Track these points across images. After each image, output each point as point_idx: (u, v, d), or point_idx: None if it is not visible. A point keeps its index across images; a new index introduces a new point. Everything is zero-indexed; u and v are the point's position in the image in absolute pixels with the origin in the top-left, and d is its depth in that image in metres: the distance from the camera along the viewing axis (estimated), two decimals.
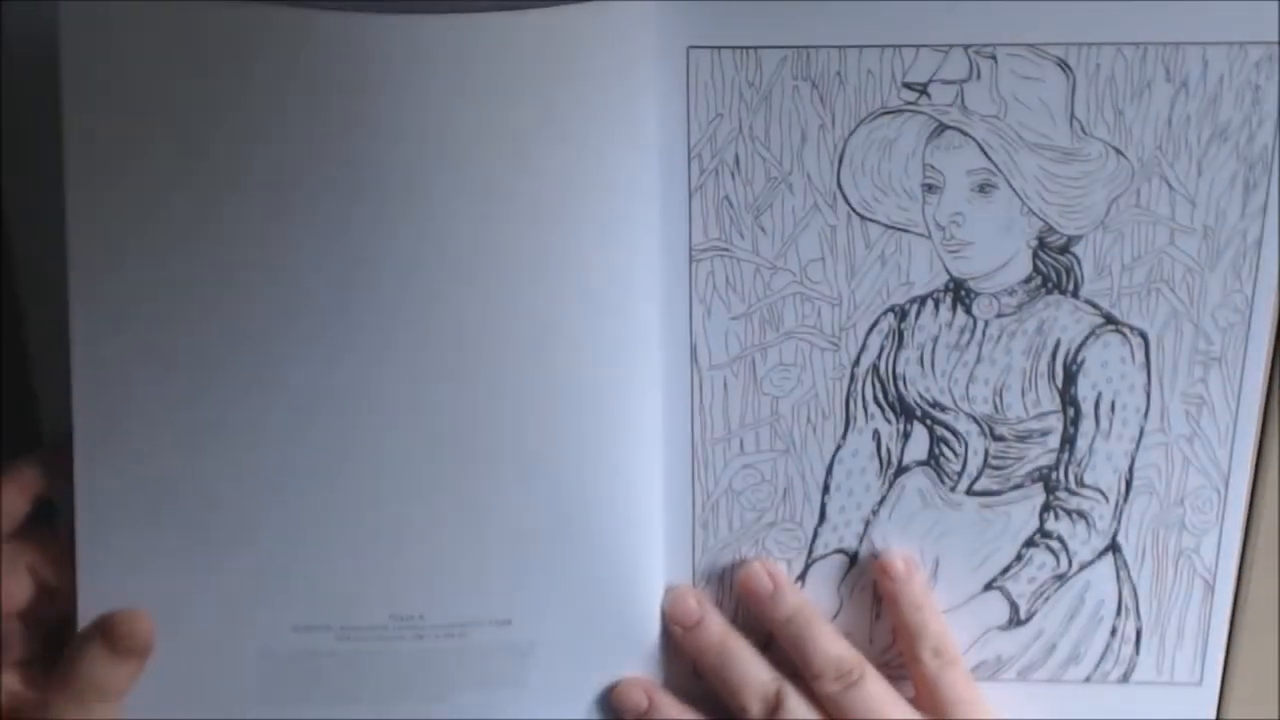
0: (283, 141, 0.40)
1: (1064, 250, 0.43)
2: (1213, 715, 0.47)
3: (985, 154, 0.42)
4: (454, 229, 0.41)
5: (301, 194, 0.41)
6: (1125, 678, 0.47)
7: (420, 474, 0.43)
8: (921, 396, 0.45)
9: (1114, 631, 0.47)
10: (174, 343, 0.42)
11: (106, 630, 0.42)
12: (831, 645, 0.44)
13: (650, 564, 0.46)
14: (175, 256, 0.41)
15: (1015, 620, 0.47)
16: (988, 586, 0.46)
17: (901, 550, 0.45)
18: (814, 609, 0.45)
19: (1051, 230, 0.43)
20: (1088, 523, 0.46)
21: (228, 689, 0.45)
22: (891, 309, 0.44)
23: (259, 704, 0.45)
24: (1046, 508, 0.45)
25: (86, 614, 0.43)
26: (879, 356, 0.44)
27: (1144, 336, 0.44)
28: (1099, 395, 0.44)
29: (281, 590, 0.44)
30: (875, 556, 0.45)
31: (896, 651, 0.46)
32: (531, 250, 0.42)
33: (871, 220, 0.43)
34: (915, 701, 0.45)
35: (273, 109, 0.40)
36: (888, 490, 0.46)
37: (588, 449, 0.44)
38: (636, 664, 0.47)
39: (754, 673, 0.44)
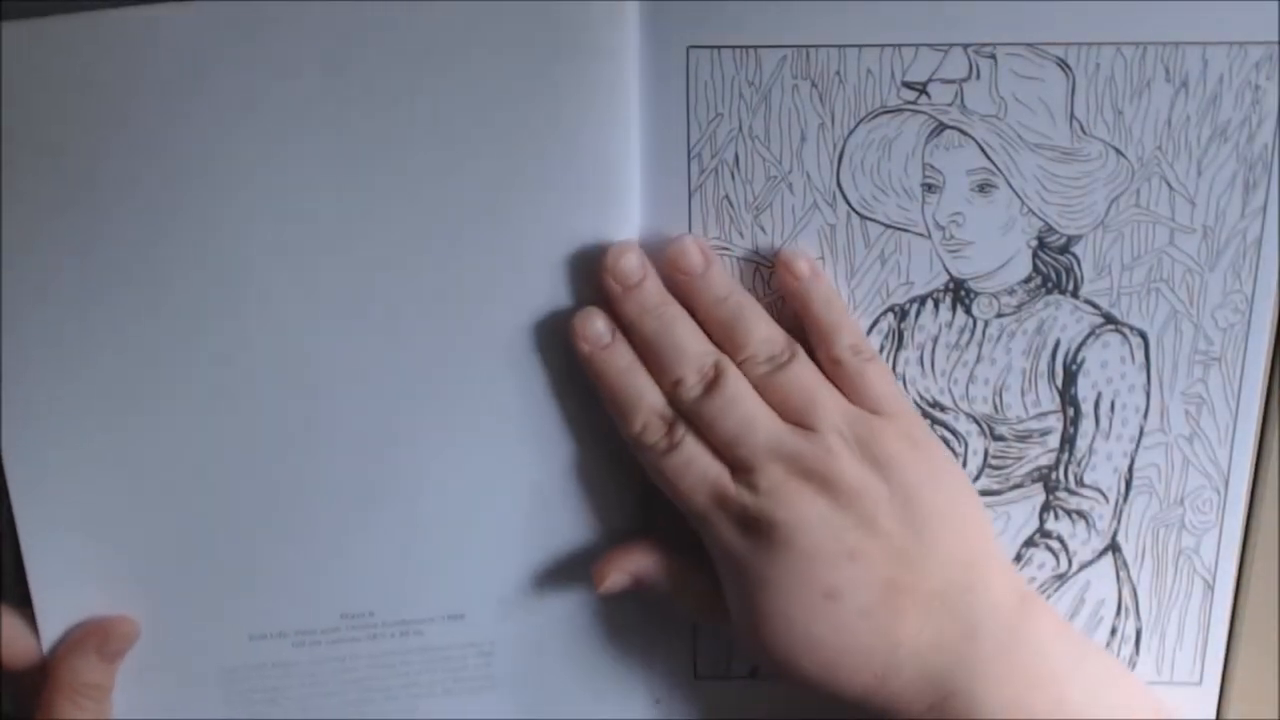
0: (252, 131, 0.40)
1: (1064, 250, 0.43)
2: (1213, 715, 0.47)
3: (985, 153, 0.42)
4: (431, 225, 0.42)
5: (272, 195, 0.41)
6: None
7: (363, 470, 0.43)
8: (921, 396, 0.45)
9: (1114, 631, 0.47)
10: (106, 359, 0.42)
11: (99, 635, 0.43)
12: (764, 327, 0.42)
13: None
14: (106, 269, 0.41)
15: None
16: None
17: (803, 251, 0.43)
18: (746, 292, 0.42)
19: (1051, 230, 0.43)
20: (1087, 522, 0.46)
21: (196, 711, 0.45)
22: (891, 309, 0.44)
23: None
24: (1046, 507, 0.46)
25: (47, 629, 0.44)
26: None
27: (1144, 336, 0.44)
28: (1099, 395, 0.44)
29: (233, 599, 0.44)
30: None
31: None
32: (513, 245, 0.42)
33: (871, 219, 0.43)
34: None
35: (232, 95, 0.40)
36: None
37: (552, 449, 0.44)
38: (617, 670, 0.47)
39: (692, 342, 0.41)
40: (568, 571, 0.46)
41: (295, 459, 0.43)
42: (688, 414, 0.41)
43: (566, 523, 0.45)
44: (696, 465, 0.41)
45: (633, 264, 0.41)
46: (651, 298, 0.41)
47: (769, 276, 0.43)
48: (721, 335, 0.42)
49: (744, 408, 0.40)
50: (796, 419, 0.41)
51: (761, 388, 0.41)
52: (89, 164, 0.40)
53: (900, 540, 0.40)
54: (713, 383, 0.41)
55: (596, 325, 0.42)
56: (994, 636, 0.40)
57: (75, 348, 0.42)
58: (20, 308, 0.41)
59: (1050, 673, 0.41)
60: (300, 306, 0.42)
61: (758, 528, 0.40)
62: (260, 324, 0.42)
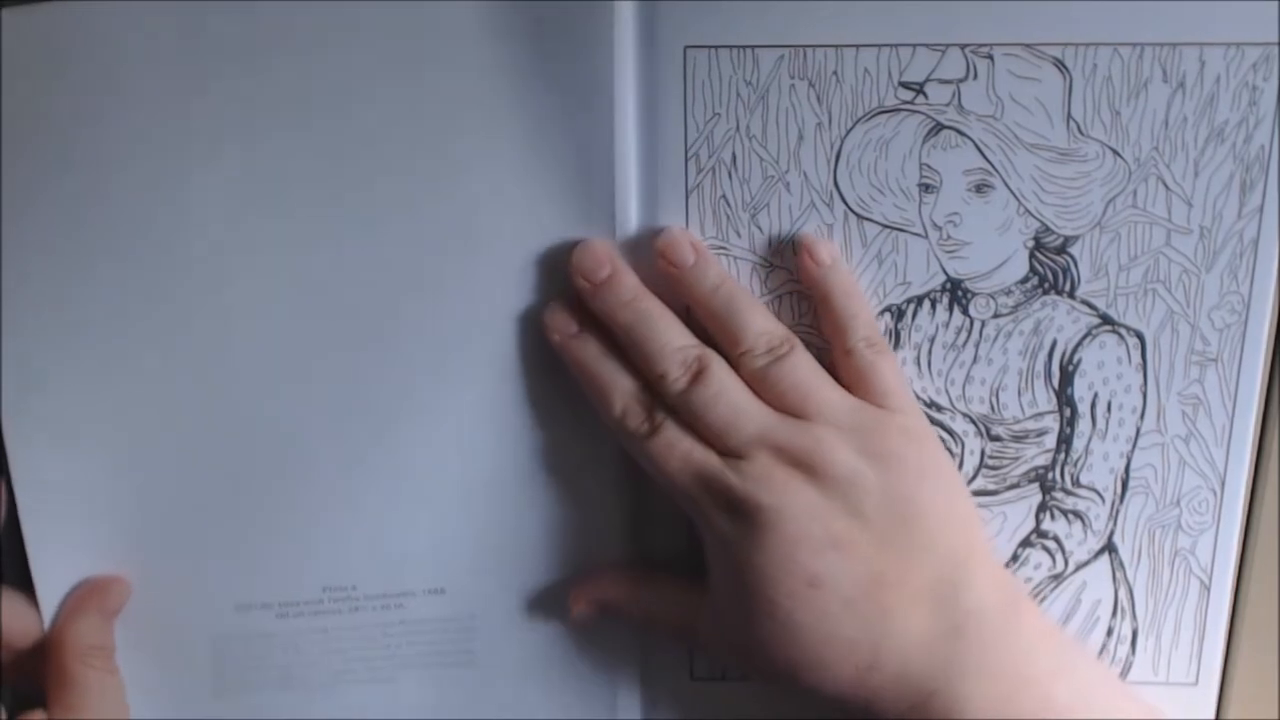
0: (247, 120, 0.41)
1: (1061, 250, 0.43)
2: (1209, 715, 0.47)
3: (982, 154, 0.42)
4: (426, 223, 0.42)
5: (262, 184, 0.42)
6: (1121, 677, 0.47)
7: (344, 446, 0.44)
8: (918, 396, 0.44)
9: (1110, 632, 0.47)
10: (102, 331, 0.42)
11: (98, 593, 0.44)
12: (760, 319, 0.42)
13: (604, 547, 0.46)
14: (100, 247, 0.42)
15: None
16: None
17: (823, 240, 0.43)
18: (739, 283, 0.42)
19: (1048, 230, 0.43)
20: (1084, 523, 0.46)
21: (185, 680, 0.46)
22: (888, 309, 0.44)
23: (216, 695, 0.46)
24: (1043, 508, 0.46)
25: (46, 604, 0.44)
26: None
27: (1140, 337, 0.44)
28: (1095, 396, 0.44)
29: (218, 571, 0.45)
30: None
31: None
32: (510, 244, 0.42)
33: (868, 219, 0.43)
34: None
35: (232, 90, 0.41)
36: None
37: (536, 429, 0.45)
38: (598, 648, 0.47)
39: (672, 336, 0.41)
40: (554, 562, 0.46)
41: (279, 434, 0.44)
42: (675, 405, 0.41)
43: (548, 504, 0.45)
44: (680, 448, 0.41)
45: (598, 260, 0.41)
46: (622, 293, 0.41)
47: (765, 275, 0.43)
48: (717, 328, 0.42)
49: (731, 399, 0.41)
50: (794, 411, 0.41)
51: (759, 380, 0.41)
52: (82, 147, 0.41)
53: (888, 533, 0.40)
54: (697, 376, 0.41)
55: (563, 317, 0.42)
56: (979, 636, 0.40)
57: (71, 326, 0.42)
58: (18, 281, 0.42)
59: (1036, 673, 0.41)
60: (287, 290, 0.43)
61: (744, 512, 0.40)
62: (248, 306, 0.42)
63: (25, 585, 0.44)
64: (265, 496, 0.44)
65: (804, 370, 0.41)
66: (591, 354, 0.42)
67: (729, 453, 0.41)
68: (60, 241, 0.41)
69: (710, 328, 0.42)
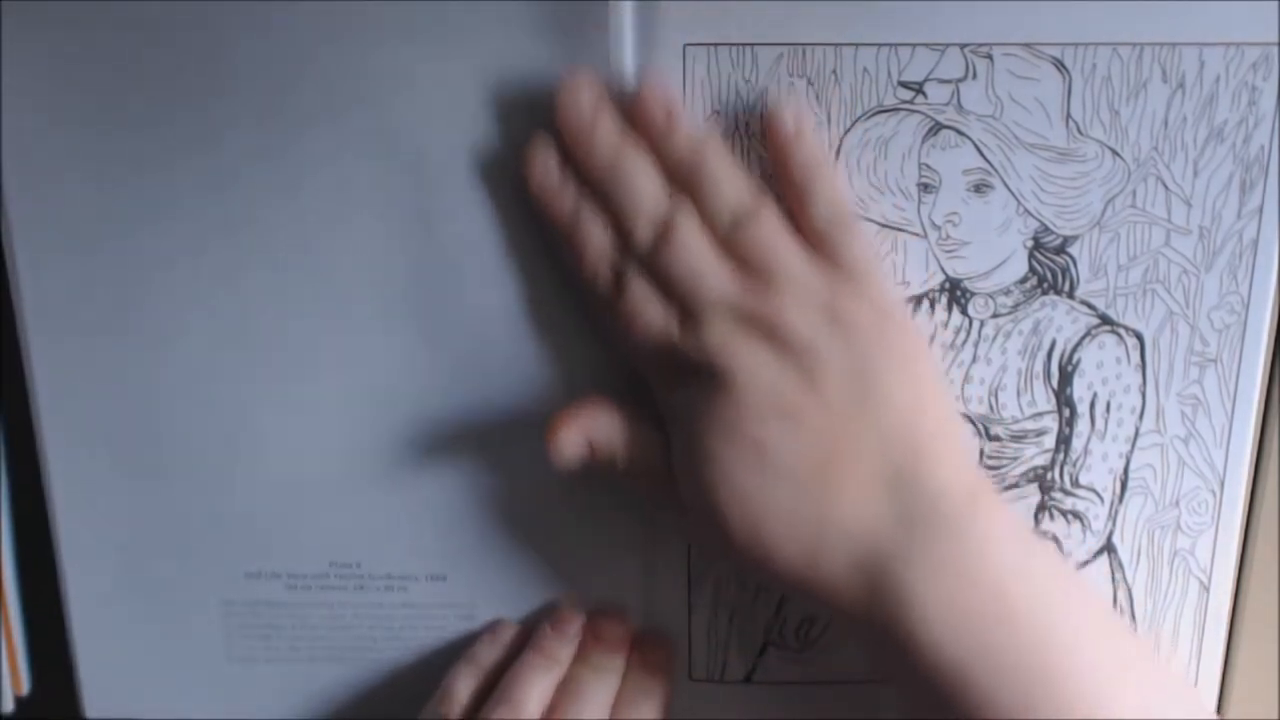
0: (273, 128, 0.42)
1: (1060, 250, 0.43)
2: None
3: (981, 153, 0.42)
4: (425, 221, 0.43)
5: (271, 188, 0.43)
6: None
7: (359, 424, 0.45)
8: None
9: None
10: (126, 307, 0.44)
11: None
12: (728, 184, 0.40)
13: (607, 548, 0.46)
14: (121, 218, 0.43)
15: None
16: None
17: (794, 107, 0.41)
18: (715, 147, 0.40)
19: (1047, 230, 0.43)
20: (1083, 523, 0.46)
21: (195, 643, 0.48)
22: None
23: (226, 662, 0.48)
24: (1042, 508, 0.45)
25: (70, 561, 0.47)
26: None
27: (1140, 337, 0.44)
28: (1094, 396, 0.44)
29: (231, 536, 0.46)
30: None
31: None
32: (507, 246, 0.43)
33: (867, 219, 0.43)
34: None
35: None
36: None
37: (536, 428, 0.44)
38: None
39: (646, 191, 0.40)
40: (556, 560, 0.46)
41: (286, 405, 0.45)
42: (641, 261, 0.40)
43: (551, 502, 0.46)
44: (645, 311, 0.40)
45: (583, 102, 0.40)
46: (602, 143, 0.40)
47: None
48: (686, 190, 0.40)
49: (695, 258, 0.39)
50: (759, 276, 0.39)
51: (725, 244, 0.40)
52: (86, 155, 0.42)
53: (844, 410, 0.38)
54: (664, 232, 0.40)
55: (545, 158, 0.41)
56: (931, 527, 0.38)
57: (92, 307, 0.44)
58: (45, 276, 0.44)
59: (994, 570, 0.38)
60: (296, 278, 0.43)
61: (698, 373, 0.39)
62: (260, 284, 0.44)
63: (48, 539, 0.47)
64: (274, 469, 0.46)
65: (770, 235, 0.40)
66: (568, 207, 0.41)
67: (689, 312, 0.39)
68: (84, 246, 0.43)
69: (681, 189, 0.41)
